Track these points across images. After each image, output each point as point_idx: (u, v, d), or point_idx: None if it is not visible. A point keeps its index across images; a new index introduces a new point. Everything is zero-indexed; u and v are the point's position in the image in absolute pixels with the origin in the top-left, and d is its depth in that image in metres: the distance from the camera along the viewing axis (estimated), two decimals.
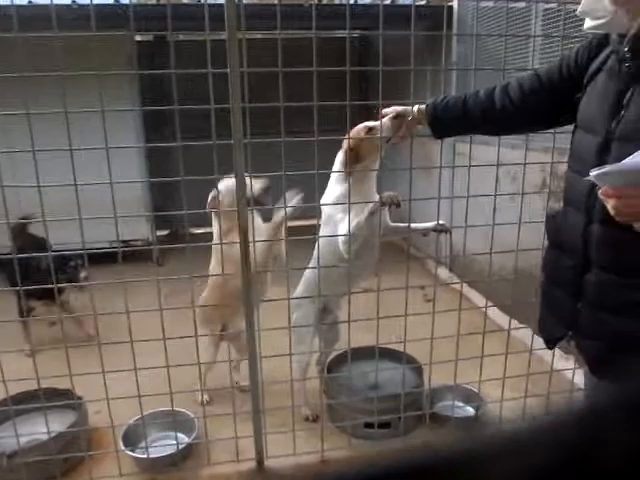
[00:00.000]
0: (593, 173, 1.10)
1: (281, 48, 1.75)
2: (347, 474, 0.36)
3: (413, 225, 2.23)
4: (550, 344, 1.53)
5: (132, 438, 2.30)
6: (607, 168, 1.09)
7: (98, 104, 1.72)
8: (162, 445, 2.31)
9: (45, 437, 2.10)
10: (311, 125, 1.86)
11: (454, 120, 1.67)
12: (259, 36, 5.70)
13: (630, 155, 1.08)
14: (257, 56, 1.84)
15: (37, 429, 2.12)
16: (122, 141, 1.89)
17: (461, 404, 2.58)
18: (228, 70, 1.73)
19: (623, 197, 1.09)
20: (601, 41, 1.34)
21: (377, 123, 1.99)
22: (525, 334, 2.57)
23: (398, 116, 1.81)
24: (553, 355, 2.31)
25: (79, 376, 2.01)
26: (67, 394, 2.23)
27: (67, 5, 3.56)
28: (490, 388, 2.47)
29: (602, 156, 1.23)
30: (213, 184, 1.86)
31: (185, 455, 2.29)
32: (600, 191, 1.12)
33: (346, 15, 1.82)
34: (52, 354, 1.96)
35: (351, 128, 1.96)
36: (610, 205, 1.10)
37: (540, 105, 1.51)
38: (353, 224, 2.06)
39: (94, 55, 1.69)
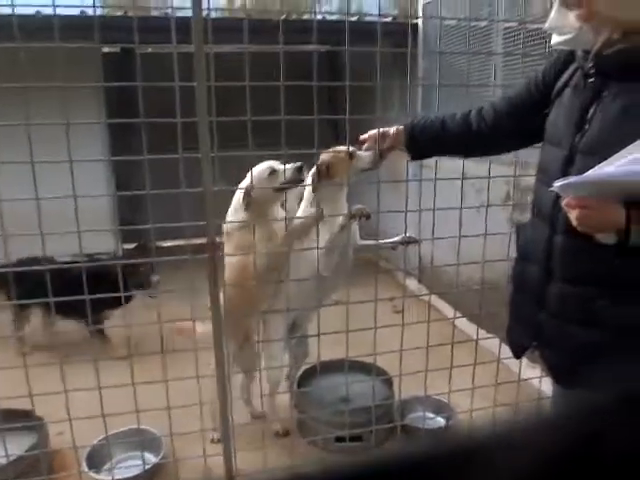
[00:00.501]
0: (557, 184, 1.14)
1: (250, 62, 1.76)
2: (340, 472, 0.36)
3: (382, 241, 2.26)
4: (517, 354, 1.55)
5: (96, 459, 2.23)
6: (570, 179, 1.13)
7: (63, 117, 1.69)
8: (128, 466, 2.24)
9: (3, 461, 2.01)
10: (279, 138, 1.86)
11: (431, 141, 1.70)
12: (226, 48, 5.72)
13: (592, 168, 1.12)
14: (228, 69, 1.84)
15: None
16: (88, 154, 1.85)
17: (432, 415, 2.60)
18: (195, 84, 1.72)
19: (585, 207, 1.12)
20: (567, 57, 1.38)
21: (359, 152, 2.03)
22: (493, 344, 2.61)
23: (377, 138, 1.81)
24: (520, 364, 2.35)
25: (40, 396, 1.94)
26: (27, 415, 2.15)
27: (31, 15, 3.50)
28: (460, 398, 2.50)
29: (567, 169, 1.27)
30: (181, 196, 1.84)
31: (152, 475, 2.23)
32: (564, 202, 1.16)
33: (313, 30, 1.84)
34: (10, 373, 1.88)
35: (320, 142, 1.98)
36: (573, 216, 1.14)
37: (513, 126, 1.55)
38: (327, 238, 2.07)
39: (59, 67, 1.66)
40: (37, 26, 2.39)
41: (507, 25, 2.94)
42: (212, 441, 2.45)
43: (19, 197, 1.71)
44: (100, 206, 4.12)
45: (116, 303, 1.99)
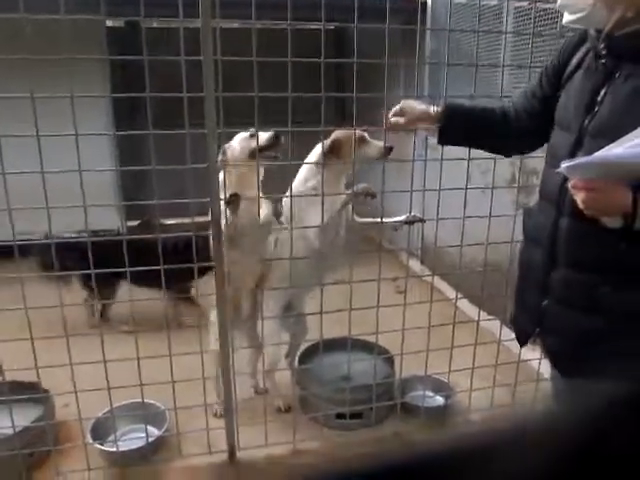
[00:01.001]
0: (564, 165, 1.12)
1: (258, 40, 1.74)
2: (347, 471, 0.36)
3: (386, 219, 2.25)
4: (521, 341, 1.55)
5: (101, 431, 2.26)
6: (577, 160, 1.11)
7: (66, 91, 1.68)
8: (132, 438, 2.28)
9: (10, 432, 2.05)
10: (285, 116, 1.86)
11: (471, 130, 1.61)
12: (235, 25, 5.64)
13: (601, 149, 1.11)
14: (234, 46, 1.82)
15: (1, 423, 2.07)
16: (92, 129, 1.84)
17: (431, 394, 2.62)
18: (201, 58, 1.71)
19: (592, 190, 1.11)
20: (579, 40, 1.35)
21: (371, 140, 2.08)
22: (494, 325, 2.63)
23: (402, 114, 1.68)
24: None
25: (46, 369, 1.97)
26: (33, 387, 2.18)
27: None
28: (460, 378, 2.52)
29: (575, 151, 1.25)
30: (186, 173, 1.84)
31: (156, 448, 2.27)
32: (570, 183, 1.15)
33: (321, 7, 1.82)
34: (17, 345, 1.91)
35: (326, 121, 1.96)
36: (579, 198, 1.12)
37: (537, 122, 1.49)
38: (327, 216, 2.07)
39: (63, 42, 1.64)
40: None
41: (518, 4, 2.89)
42: (215, 415, 2.49)
43: (22, 171, 1.71)
44: (104, 182, 4.12)
45: (201, 272, 2.08)
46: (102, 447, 2.19)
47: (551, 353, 1.40)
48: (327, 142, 2.16)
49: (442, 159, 2.04)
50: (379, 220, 2.22)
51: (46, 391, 2.22)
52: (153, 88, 1.74)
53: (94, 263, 1.91)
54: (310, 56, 1.85)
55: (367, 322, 2.26)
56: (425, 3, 3.97)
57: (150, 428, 2.30)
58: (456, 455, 0.36)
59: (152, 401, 2.32)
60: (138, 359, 2.03)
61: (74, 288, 3.12)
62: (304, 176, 2.24)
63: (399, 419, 2.46)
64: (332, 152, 2.17)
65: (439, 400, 2.62)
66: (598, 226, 1.16)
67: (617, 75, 1.21)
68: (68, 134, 1.73)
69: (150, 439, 2.21)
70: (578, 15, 1.20)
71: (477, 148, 1.70)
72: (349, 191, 2.15)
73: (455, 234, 2.21)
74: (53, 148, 1.78)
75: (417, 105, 1.67)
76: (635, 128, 1.08)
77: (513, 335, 2.23)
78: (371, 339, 2.44)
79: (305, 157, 2.27)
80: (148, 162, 1.90)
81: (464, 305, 3.19)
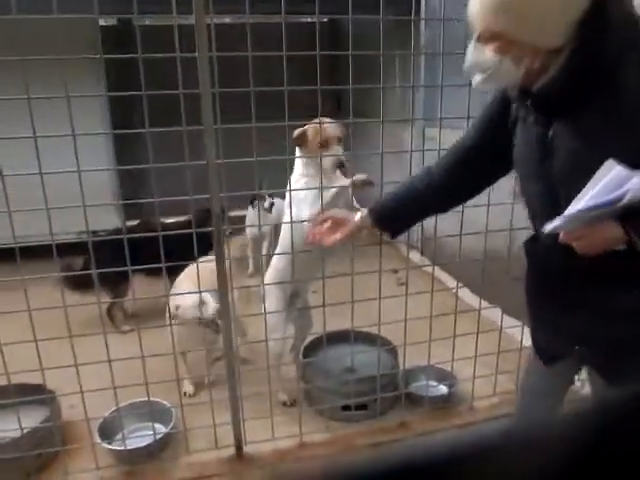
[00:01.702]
0: (547, 230, 1.15)
1: (251, 36, 1.74)
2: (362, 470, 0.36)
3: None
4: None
5: (109, 430, 2.27)
6: (555, 223, 1.14)
7: (60, 92, 1.67)
8: (140, 436, 2.29)
9: (17, 434, 2.06)
10: (282, 111, 1.85)
11: (410, 214, 1.62)
12: (227, 20, 5.62)
13: (574, 197, 1.11)
14: (227, 43, 1.82)
15: (9, 426, 2.08)
16: (88, 129, 1.84)
17: (435, 383, 2.64)
18: (197, 54, 1.70)
19: (580, 238, 1.13)
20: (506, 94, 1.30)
21: (333, 151, 2.11)
22: (495, 313, 2.64)
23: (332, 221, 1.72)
24: (522, 332, 2.38)
25: (51, 370, 1.98)
26: (39, 389, 2.19)
27: None
28: (462, 366, 2.54)
29: (547, 199, 1.25)
30: (184, 171, 1.84)
31: (163, 445, 2.28)
32: (560, 239, 1.16)
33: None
34: (23, 347, 1.91)
35: (321, 114, 1.96)
36: (574, 246, 1.15)
37: (487, 159, 1.45)
38: (314, 208, 2.07)
39: (56, 40, 1.64)
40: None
41: None
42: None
43: (19, 173, 1.71)
44: (101, 183, 4.10)
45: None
46: (110, 446, 2.20)
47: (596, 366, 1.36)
48: (296, 132, 2.17)
49: (440, 149, 2.04)
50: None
51: (51, 392, 2.23)
52: (149, 86, 1.74)
53: (114, 260, 1.95)
54: (303, 49, 1.85)
55: (369, 314, 2.27)
56: None
57: (157, 426, 2.32)
58: (457, 455, 0.36)
59: (158, 399, 2.33)
60: (143, 357, 2.03)
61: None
62: (298, 169, 2.23)
63: (404, 409, 2.47)
64: (299, 143, 2.18)
65: (443, 389, 2.63)
66: (606, 253, 1.16)
67: (555, 125, 1.18)
68: (65, 135, 1.73)
69: (157, 436, 2.22)
70: (488, 73, 1.17)
71: (442, 212, 1.69)
72: (347, 181, 2.15)
73: (454, 224, 2.21)
74: (49, 151, 1.77)
75: (345, 216, 1.69)
76: (593, 173, 1.07)
77: (514, 322, 2.24)
78: (373, 331, 2.45)
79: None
80: (146, 162, 1.90)
81: (465, 294, 3.20)
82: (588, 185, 1.08)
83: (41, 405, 2.26)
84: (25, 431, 2.07)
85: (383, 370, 2.43)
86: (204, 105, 1.77)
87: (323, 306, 2.13)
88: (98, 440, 2.18)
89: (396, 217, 1.63)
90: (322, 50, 1.85)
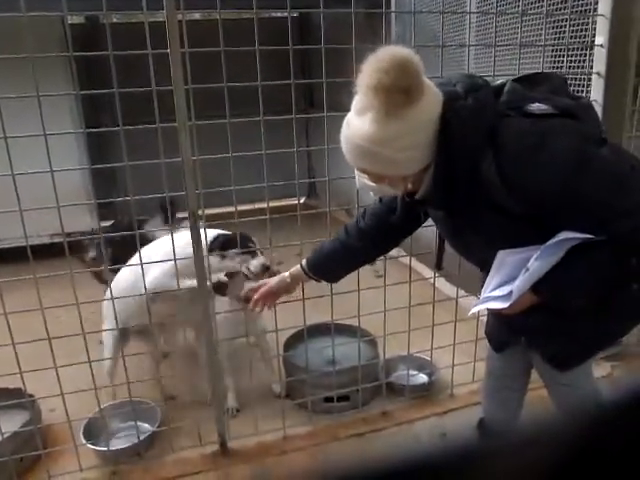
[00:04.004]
0: (469, 314, 1.52)
1: (222, 33, 1.74)
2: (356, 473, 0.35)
3: None
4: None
5: (94, 431, 2.26)
6: (474, 308, 1.40)
7: (30, 92, 1.65)
8: (126, 436, 2.28)
9: None
10: (255, 107, 1.86)
11: (339, 265, 1.72)
12: (197, 16, 5.57)
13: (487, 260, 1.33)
14: (197, 38, 1.81)
15: None
16: (60, 130, 1.82)
17: (415, 372, 2.68)
18: (168, 51, 1.70)
19: (503, 311, 1.32)
20: None
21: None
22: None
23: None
24: None
25: (30, 373, 1.96)
26: (18, 393, 2.16)
27: None
28: (441, 355, 2.59)
29: (482, 267, 1.46)
30: (159, 169, 1.84)
31: (148, 444, 2.27)
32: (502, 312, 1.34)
33: None
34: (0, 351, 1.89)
35: (291, 109, 1.97)
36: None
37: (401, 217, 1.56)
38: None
39: (25, 40, 1.62)
40: None
41: None
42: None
43: None
44: (74, 185, 4.03)
45: None
46: (94, 447, 2.18)
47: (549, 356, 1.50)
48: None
49: None
50: None
51: (31, 396, 2.20)
52: (121, 85, 1.73)
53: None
54: (275, 44, 1.86)
55: (348, 307, 2.30)
56: None
57: (143, 425, 2.31)
58: (453, 457, 0.36)
59: (140, 398, 2.32)
60: (123, 357, 2.03)
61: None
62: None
63: (385, 399, 2.51)
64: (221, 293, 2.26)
65: (423, 378, 2.68)
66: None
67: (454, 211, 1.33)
68: (36, 134, 1.71)
69: (141, 435, 2.21)
70: (375, 190, 1.32)
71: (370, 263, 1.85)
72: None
73: None
74: (19, 153, 1.75)
75: (278, 282, 1.78)
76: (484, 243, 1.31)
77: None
78: (353, 323, 2.48)
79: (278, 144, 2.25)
80: (120, 159, 1.88)
81: (441, 284, 3.25)
82: (489, 275, 1.33)
83: (21, 410, 2.23)
84: (5, 435, 2.05)
85: (364, 361, 2.46)
86: (178, 101, 1.76)
87: (303, 300, 2.15)
88: (83, 441, 2.16)
89: (330, 270, 1.74)
90: (293, 45, 1.86)
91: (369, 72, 1.12)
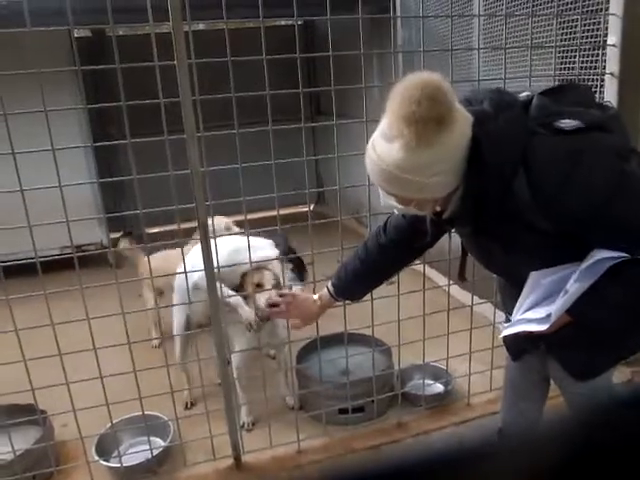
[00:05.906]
0: (500, 336, 1.43)
1: (229, 42, 1.73)
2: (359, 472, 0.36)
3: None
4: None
5: (106, 447, 2.23)
6: (512, 329, 1.34)
7: (36, 107, 1.64)
8: (138, 451, 2.25)
9: (10, 456, 2.01)
10: (262, 116, 1.84)
11: (362, 284, 1.69)
12: (201, 26, 5.58)
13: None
14: (205, 49, 1.80)
15: (1, 449, 2.03)
16: (67, 143, 1.81)
17: (431, 381, 2.64)
18: (175, 62, 1.68)
19: (546, 332, 1.27)
20: None
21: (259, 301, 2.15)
22: (487, 309, 2.64)
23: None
24: None
25: (42, 390, 1.94)
26: (30, 409, 2.14)
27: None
28: (457, 363, 2.54)
29: (513, 291, 1.38)
30: (168, 181, 1.82)
31: (161, 459, 2.24)
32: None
33: (292, 2, 1.80)
34: (12, 367, 1.87)
35: (299, 117, 1.95)
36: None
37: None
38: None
39: (31, 55, 1.61)
40: (5, 12, 2.31)
41: None
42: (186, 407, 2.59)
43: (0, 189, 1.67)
44: (83, 197, 4.04)
45: None
46: (107, 463, 2.16)
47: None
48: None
49: None
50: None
51: (43, 412, 2.18)
52: (128, 97, 1.72)
53: None
54: (280, 53, 1.84)
55: (361, 316, 2.26)
56: None
57: (156, 439, 2.28)
58: (451, 459, 0.36)
59: (153, 412, 2.29)
60: (135, 372, 2.00)
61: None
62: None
63: (401, 409, 2.47)
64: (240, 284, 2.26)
65: (439, 387, 2.63)
66: None
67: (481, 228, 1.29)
68: (44, 149, 1.70)
69: (154, 451, 2.18)
70: (401, 210, 1.31)
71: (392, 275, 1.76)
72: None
73: None
74: (27, 166, 1.74)
75: (305, 298, 1.76)
76: (527, 263, 1.26)
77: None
78: (367, 332, 2.44)
79: (286, 153, 2.23)
80: (128, 172, 1.87)
81: (456, 291, 3.20)
82: (522, 296, 1.29)
83: (33, 426, 2.22)
84: (18, 453, 2.03)
85: (378, 371, 2.42)
86: (185, 113, 1.75)
87: None
88: (95, 457, 2.14)
89: (356, 291, 1.73)
90: (299, 54, 1.84)
91: (399, 101, 1.08)
